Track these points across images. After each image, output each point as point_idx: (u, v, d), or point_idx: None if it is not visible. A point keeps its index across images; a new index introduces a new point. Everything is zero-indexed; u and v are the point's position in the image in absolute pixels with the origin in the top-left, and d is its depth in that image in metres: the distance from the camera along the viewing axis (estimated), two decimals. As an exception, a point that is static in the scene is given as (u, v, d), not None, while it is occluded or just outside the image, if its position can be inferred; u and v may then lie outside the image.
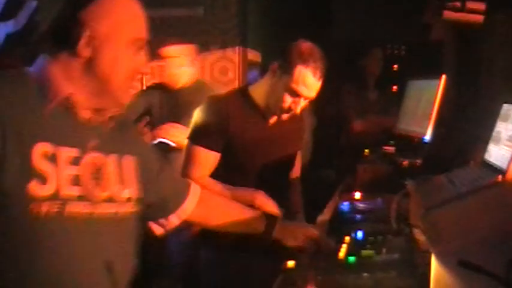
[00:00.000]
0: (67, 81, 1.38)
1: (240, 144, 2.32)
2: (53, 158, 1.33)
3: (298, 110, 2.34)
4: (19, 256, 1.30)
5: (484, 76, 3.47)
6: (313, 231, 1.92)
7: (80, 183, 1.37)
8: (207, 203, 1.80)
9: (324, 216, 2.38)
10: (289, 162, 2.58)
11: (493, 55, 3.66)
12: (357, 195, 2.65)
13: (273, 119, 2.42)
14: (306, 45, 2.29)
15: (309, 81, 2.26)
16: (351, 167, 3.06)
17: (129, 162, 1.52)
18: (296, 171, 2.66)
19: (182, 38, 3.34)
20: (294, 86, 2.27)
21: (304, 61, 2.25)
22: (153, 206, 1.63)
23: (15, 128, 1.29)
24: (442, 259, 1.37)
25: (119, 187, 1.46)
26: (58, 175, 1.33)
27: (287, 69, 2.27)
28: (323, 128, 4.09)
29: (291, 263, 1.74)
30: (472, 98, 3.22)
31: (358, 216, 2.36)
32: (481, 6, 3.73)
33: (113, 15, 1.39)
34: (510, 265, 1.24)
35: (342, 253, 1.82)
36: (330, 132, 4.32)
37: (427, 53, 4.62)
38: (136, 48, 1.43)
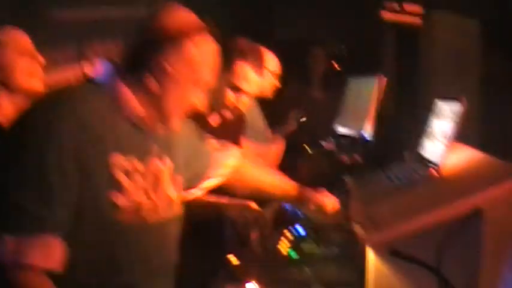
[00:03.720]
0: (135, 97, 1.43)
1: None
2: (126, 170, 1.39)
3: (241, 106, 2.37)
4: (100, 255, 1.38)
5: (421, 74, 3.57)
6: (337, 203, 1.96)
7: (147, 193, 1.44)
8: (241, 171, 1.87)
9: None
10: None
11: (429, 54, 3.77)
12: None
13: (216, 119, 2.43)
14: (245, 42, 2.33)
15: (249, 76, 2.29)
16: (291, 163, 3.10)
17: (179, 161, 1.58)
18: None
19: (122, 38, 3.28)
20: (235, 81, 2.29)
21: (244, 56, 2.28)
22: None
23: (97, 140, 1.34)
24: (378, 251, 1.41)
25: (171, 190, 1.54)
26: (131, 185, 1.40)
27: (227, 65, 2.29)
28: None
29: (233, 258, 1.75)
30: (409, 95, 3.31)
31: (299, 211, 2.38)
32: (418, 9, 3.84)
33: (189, 60, 1.42)
34: (440, 255, 1.30)
35: (283, 248, 1.85)
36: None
37: (367, 51, 4.71)
38: (199, 88, 1.48)
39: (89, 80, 1.46)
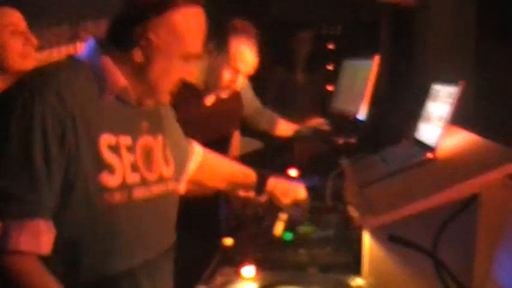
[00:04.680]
0: (121, 73, 1.40)
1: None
2: (115, 148, 1.37)
3: (237, 87, 2.37)
4: (96, 233, 1.35)
5: (416, 56, 3.56)
6: (303, 192, 1.91)
7: (137, 169, 1.42)
8: (206, 161, 1.84)
9: None
10: (227, 142, 2.59)
11: (425, 36, 3.75)
12: (293, 172, 2.68)
13: (211, 99, 2.42)
14: (241, 23, 2.33)
15: (246, 56, 2.30)
16: (286, 144, 3.10)
17: (167, 140, 1.58)
18: (235, 150, 2.67)
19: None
20: (231, 62, 2.30)
21: (240, 38, 2.28)
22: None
23: (83, 119, 1.31)
24: (374, 234, 1.41)
25: (165, 166, 1.53)
26: (122, 164, 1.37)
27: (223, 47, 2.29)
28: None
29: (228, 241, 1.75)
30: (405, 77, 3.30)
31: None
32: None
33: (175, 31, 1.39)
34: (436, 239, 1.30)
35: (278, 230, 1.85)
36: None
37: (362, 33, 4.69)
38: (188, 61, 1.45)
39: (72, 58, 1.43)
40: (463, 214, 1.35)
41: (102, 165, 1.33)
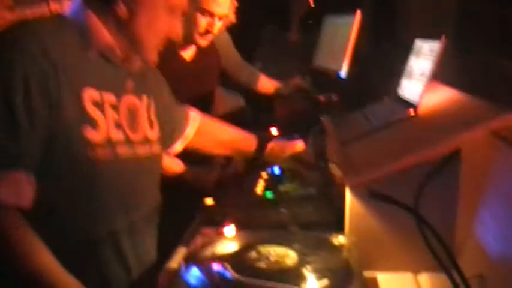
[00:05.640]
0: (105, 30, 1.38)
1: None
2: (99, 104, 1.35)
3: (215, 31, 2.32)
4: (79, 193, 1.34)
5: (399, 12, 3.51)
6: (301, 146, 1.96)
7: (121, 128, 1.41)
8: (205, 128, 1.85)
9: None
10: (208, 100, 2.55)
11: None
12: (274, 130, 2.65)
13: (190, 52, 2.37)
14: None
15: None
16: (268, 102, 3.07)
17: (153, 103, 1.56)
18: (218, 108, 2.64)
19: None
20: (205, 5, 2.25)
21: None
22: (163, 138, 1.65)
23: (66, 71, 1.28)
24: (356, 192, 1.40)
25: (149, 128, 1.52)
26: (106, 120, 1.36)
27: None
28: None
29: (209, 201, 1.73)
30: (387, 33, 3.26)
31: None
32: None
33: None
34: (418, 195, 1.29)
35: (259, 189, 1.83)
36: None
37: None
38: (173, 15, 1.42)
39: (57, 15, 1.41)
40: (446, 171, 1.34)
41: (85, 119, 1.31)
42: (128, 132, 1.43)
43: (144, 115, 1.51)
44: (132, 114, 1.46)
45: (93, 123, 1.33)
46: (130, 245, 1.46)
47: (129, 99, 1.46)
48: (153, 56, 1.47)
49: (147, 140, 1.50)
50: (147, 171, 1.52)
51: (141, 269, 1.51)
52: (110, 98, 1.39)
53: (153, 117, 1.57)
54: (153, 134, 1.55)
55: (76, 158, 1.31)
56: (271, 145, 1.94)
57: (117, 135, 1.39)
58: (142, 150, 1.48)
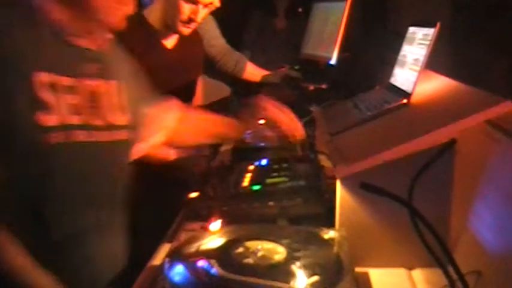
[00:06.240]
0: (55, 6, 1.30)
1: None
2: (53, 88, 1.27)
3: (199, 19, 2.25)
4: (35, 181, 1.28)
5: None
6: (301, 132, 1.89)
7: (79, 112, 1.33)
8: (186, 118, 1.79)
9: None
10: (191, 89, 2.50)
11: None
12: (261, 121, 2.59)
13: (172, 41, 2.30)
14: None
15: None
16: (254, 91, 3.01)
17: (123, 87, 1.49)
18: (198, 99, 2.58)
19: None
20: None
21: None
22: (137, 128, 1.58)
23: (15, 53, 1.22)
24: (346, 183, 1.35)
25: (115, 114, 1.44)
26: (60, 105, 1.28)
27: None
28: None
29: (194, 194, 1.67)
30: (379, 20, 3.21)
31: (262, 143, 2.29)
32: None
33: None
34: (411, 187, 1.24)
35: (246, 182, 1.78)
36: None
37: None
38: None
39: None
40: (440, 162, 1.29)
41: (38, 105, 1.24)
42: (87, 117, 1.36)
43: (111, 100, 1.44)
44: (94, 99, 1.38)
45: (46, 107, 1.26)
46: (99, 238, 1.41)
47: (92, 82, 1.38)
48: (115, 21, 1.37)
49: (111, 126, 1.43)
50: (109, 157, 1.44)
51: (111, 267, 1.45)
52: (66, 81, 1.31)
53: (124, 101, 1.49)
54: (123, 119, 1.47)
55: (31, 144, 1.24)
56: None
57: (71, 121, 1.32)
58: (104, 137, 1.40)
